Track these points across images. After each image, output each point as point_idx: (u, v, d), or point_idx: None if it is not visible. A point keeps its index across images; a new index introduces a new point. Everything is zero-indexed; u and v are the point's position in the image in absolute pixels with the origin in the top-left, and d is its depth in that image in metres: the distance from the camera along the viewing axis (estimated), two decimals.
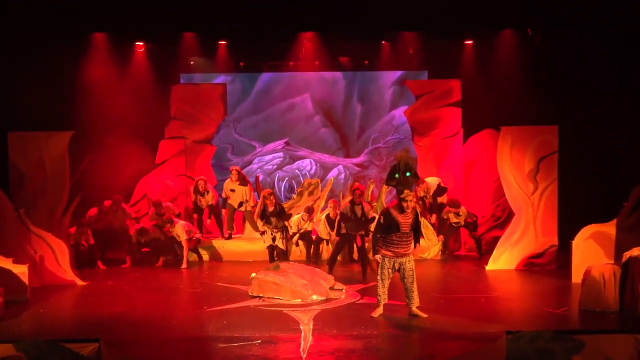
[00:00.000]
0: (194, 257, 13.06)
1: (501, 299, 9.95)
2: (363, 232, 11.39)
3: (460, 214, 12.84)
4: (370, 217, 11.29)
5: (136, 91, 14.49)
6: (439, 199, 13.52)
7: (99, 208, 13.18)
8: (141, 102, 14.47)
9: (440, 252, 13.08)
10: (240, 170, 13.70)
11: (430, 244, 12.94)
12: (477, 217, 13.17)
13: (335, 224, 11.63)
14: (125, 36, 14.09)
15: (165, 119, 15.00)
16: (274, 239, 11.43)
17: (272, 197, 11.33)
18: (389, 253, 8.85)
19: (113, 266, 12.63)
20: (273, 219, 11.39)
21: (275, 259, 11.57)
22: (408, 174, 8.76)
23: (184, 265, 12.45)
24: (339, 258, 11.95)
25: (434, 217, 13.39)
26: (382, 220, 8.85)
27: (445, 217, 13.01)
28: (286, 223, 11.62)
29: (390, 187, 13.57)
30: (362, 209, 11.22)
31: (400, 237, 8.80)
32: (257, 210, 11.75)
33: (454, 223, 12.89)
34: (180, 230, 12.52)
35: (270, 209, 11.43)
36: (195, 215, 13.91)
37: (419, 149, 14.69)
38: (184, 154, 14.95)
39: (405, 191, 8.81)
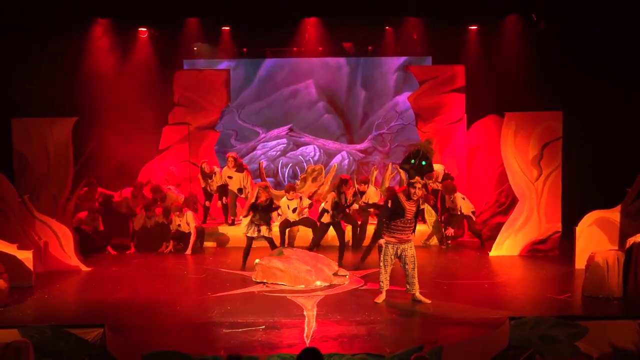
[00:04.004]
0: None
1: (504, 285, 9.97)
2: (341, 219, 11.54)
3: (451, 199, 12.78)
4: (348, 203, 11.59)
5: (139, 77, 14.46)
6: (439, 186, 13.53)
7: (132, 193, 13.40)
8: (144, 88, 14.44)
9: (439, 242, 13.05)
10: (237, 157, 13.72)
11: (431, 226, 12.93)
12: (474, 210, 13.00)
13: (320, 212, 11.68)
14: (128, 22, 14.05)
15: (169, 105, 14.99)
16: (259, 231, 11.24)
17: (267, 190, 11.22)
18: (393, 239, 8.86)
19: (118, 252, 12.67)
20: (262, 213, 11.19)
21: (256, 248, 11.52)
22: (424, 163, 8.75)
23: (189, 252, 12.47)
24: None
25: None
26: (389, 205, 8.84)
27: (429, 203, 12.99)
28: (273, 214, 11.50)
29: (395, 173, 13.63)
30: (346, 198, 11.42)
31: (404, 224, 8.80)
32: (247, 204, 11.54)
33: (451, 209, 12.85)
34: (190, 218, 12.54)
35: (263, 202, 11.11)
36: (207, 203, 13.94)
37: (422, 135, 14.65)
38: (187, 140, 14.94)
39: (416, 178, 8.79)
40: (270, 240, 11.31)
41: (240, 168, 13.55)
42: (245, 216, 11.29)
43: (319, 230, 11.65)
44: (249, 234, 11.20)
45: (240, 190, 13.50)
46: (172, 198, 13.62)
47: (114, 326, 8.04)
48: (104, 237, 12.64)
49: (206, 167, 13.76)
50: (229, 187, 13.57)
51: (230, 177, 13.53)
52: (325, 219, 11.42)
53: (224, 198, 13.84)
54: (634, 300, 8.94)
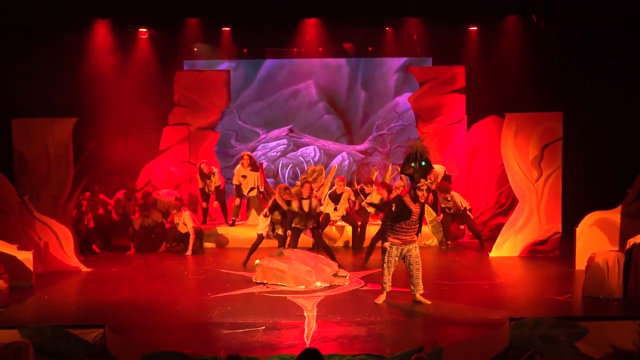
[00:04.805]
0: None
1: (505, 285, 9.96)
2: (315, 225, 11.26)
3: (449, 199, 12.79)
4: (318, 211, 11.24)
5: (139, 78, 14.46)
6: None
7: (125, 195, 13.44)
8: (144, 88, 14.44)
9: (439, 243, 13.05)
10: (251, 156, 13.67)
11: (430, 228, 12.94)
12: (470, 208, 13.01)
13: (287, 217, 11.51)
14: (128, 22, 14.05)
15: (169, 106, 14.98)
16: (273, 229, 11.34)
17: (288, 191, 11.26)
18: (397, 241, 8.84)
19: (118, 252, 12.68)
20: (277, 212, 11.29)
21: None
22: (423, 163, 8.74)
23: (189, 253, 12.47)
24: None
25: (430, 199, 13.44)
26: (394, 208, 8.83)
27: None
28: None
29: (395, 174, 13.66)
30: (310, 203, 11.08)
31: (409, 225, 8.79)
32: (270, 204, 11.48)
33: (447, 208, 12.86)
34: (187, 218, 12.53)
35: (285, 201, 11.19)
36: (204, 204, 13.92)
37: (422, 136, 14.63)
38: (187, 141, 14.93)
39: (422, 180, 8.79)
40: (282, 239, 11.34)
41: (254, 167, 13.49)
42: (266, 216, 11.28)
43: (291, 235, 11.48)
44: (265, 232, 11.28)
45: (251, 189, 13.41)
46: (163, 202, 13.58)
47: (114, 326, 8.04)
48: (92, 236, 12.66)
49: (205, 168, 13.74)
50: (242, 187, 13.48)
51: (244, 177, 13.41)
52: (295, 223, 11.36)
53: (216, 202, 13.83)
54: (634, 301, 8.94)
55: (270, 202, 11.45)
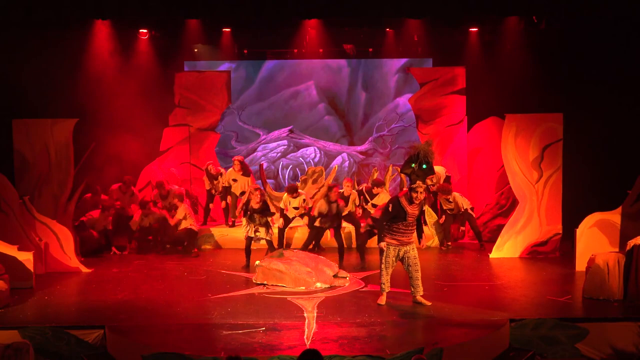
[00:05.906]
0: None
1: (505, 287, 9.97)
2: (339, 224, 11.57)
3: (451, 200, 12.78)
4: (344, 213, 11.62)
5: (140, 78, 14.43)
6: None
7: (120, 188, 13.47)
8: (145, 89, 14.41)
9: (439, 244, 13.05)
10: (242, 160, 13.73)
11: (431, 230, 12.92)
12: (472, 207, 13.02)
13: (309, 218, 11.92)
14: (129, 23, 14.04)
15: (169, 107, 14.97)
16: (257, 231, 11.35)
17: (257, 193, 11.25)
18: (394, 241, 8.85)
19: (118, 252, 12.70)
20: (256, 216, 11.29)
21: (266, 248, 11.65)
22: (424, 166, 8.75)
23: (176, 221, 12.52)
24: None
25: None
26: (390, 209, 8.83)
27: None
28: (269, 219, 11.52)
29: (395, 175, 13.65)
30: (338, 206, 11.42)
31: (406, 226, 8.79)
32: (240, 204, 11.70)
33: (448, 210, 12.86)
34: (181, 210, 12.50)
35: (255, 205, 11.23)
36: (211, 205, 13.93)
37: (423, 138, 14.63)
38: (188, 142, 14.93)
39: (418, 182, 8.79)
40: (269, 243, 11.36)
41: (246, 172, 13.54)
42: (243, 216, 11.37)
43: (309, 237, 11.93)
44: (247, 234, 11.38)
45: (242, 193, 13.48)
46: (175, 195, 13.58)
47: (114, 327, 8.04)
48: (111, 237, 12.67)
49: (212, 169, 13.77)
50: (232, 190, 13.55)
51: (235, 180, 13.50)
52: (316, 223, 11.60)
53: (224, 202, 13.85)
54: (634, 302, 8.93)
55: (243, 201, 11.48)
